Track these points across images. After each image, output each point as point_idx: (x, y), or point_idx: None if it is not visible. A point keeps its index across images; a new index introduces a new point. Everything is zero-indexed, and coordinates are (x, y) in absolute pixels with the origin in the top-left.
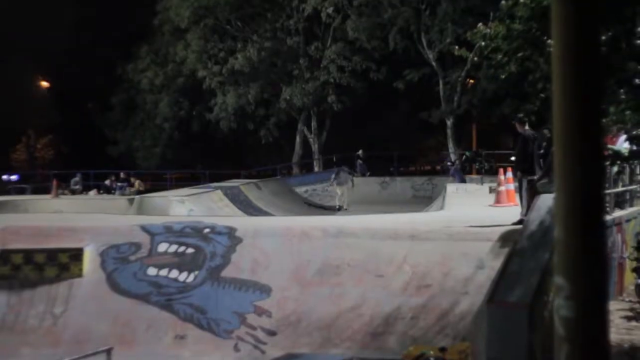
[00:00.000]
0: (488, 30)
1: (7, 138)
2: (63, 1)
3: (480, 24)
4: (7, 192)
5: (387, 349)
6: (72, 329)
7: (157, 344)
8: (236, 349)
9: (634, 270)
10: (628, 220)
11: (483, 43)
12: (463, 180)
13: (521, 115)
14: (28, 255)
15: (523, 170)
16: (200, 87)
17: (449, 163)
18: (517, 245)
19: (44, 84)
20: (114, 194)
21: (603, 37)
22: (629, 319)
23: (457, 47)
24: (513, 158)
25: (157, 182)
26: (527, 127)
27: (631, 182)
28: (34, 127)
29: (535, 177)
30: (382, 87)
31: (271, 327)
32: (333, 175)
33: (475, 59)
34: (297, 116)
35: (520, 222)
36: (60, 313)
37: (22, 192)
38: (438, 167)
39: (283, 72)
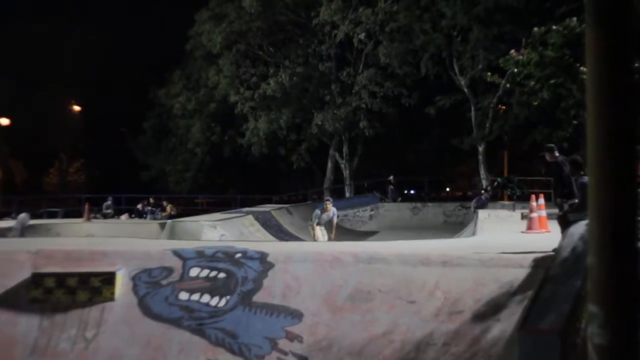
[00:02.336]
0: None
1: (40, 162)
2: (96, 26)
3: (512, 51)
4: (40, 216)
5: None
6: (104, 353)
7: None
8: None
9: None
10: None
11: (515, 70)
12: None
13: (550, 145)
14: (60, 278)
15: (563, 195)
16: (232, 112)
17: (482, 191)
18: (549, 272)
19: (76, 108)
20: (145, 218)
21: (637, 64)
22: None
23: (489, 73)
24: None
25: (188, 207)
26: (557, 154)
27: None
28: (66, 151)
29: (569, 204)
30: (414, 112)
31: (302, 352)
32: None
33: (508, 85)
34: (328, 141)
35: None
36: (92, 337)
37: (54, 215)
38: (469, 193)
39: (315, 97)
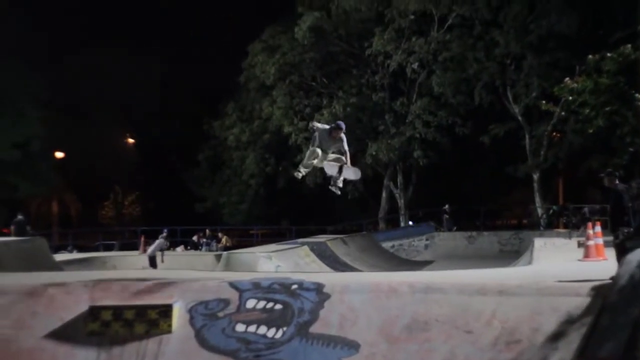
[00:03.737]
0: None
1: (95, 195)
2: (149, 59)
3: (567, 79)
4: (95, 249)
5: None
6: None
7: None
8: None
9: None
10: None
11: (570, 97)
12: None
13: (611, 170)
14: (117, 311)
15: (622, 224)
16: (286, 143)
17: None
18: (607, 300)
19: (131, 140)
20: (201, 250)
21: None
22: None
23: (543, 102)
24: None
25: (243, 238)
26: (617, 182)
27: None
28: (121, 184)
29: (626, 232)
30: (468, 141)
31: None
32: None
33: (562, 113)
34: (382, 171)
35: None
36: None
37: (109, 248)
38: (525, 221)
39: (369, 127)
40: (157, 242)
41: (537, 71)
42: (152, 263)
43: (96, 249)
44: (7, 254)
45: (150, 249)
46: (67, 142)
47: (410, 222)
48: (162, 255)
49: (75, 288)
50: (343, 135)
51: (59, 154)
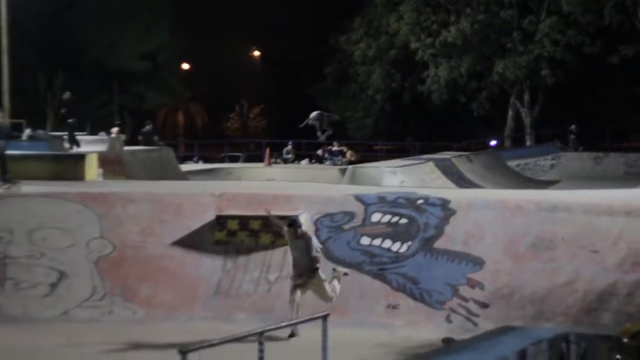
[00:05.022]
0: None
1: (222, 107)
2: None
3: None
4: (221, 160)
5: (601, 325)
6: (286, 295)
7: (370, 312)
8: (448, 320)
9: None
10: None
11: None
12: None
13: None
14: (243, 221)
15: None
16: (413, 59)
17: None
18: None
19: (257, 53)
20: (325, 163)
21: None
22: None
23: None
24: None
25: (367, 153)
26: None
27: None
28: (247, 97)
29: None
30: (596, 61)
31: (484, 300)
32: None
33: None
34: (509, 89)
35: None
36: (274, 279)
37: (235, 160)
38: None
39: (496, 45)
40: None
41: None
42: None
43: (221, 160)
44: (136, 163)
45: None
46: (193, 54)
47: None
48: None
49: (202, 197)
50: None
51: (186, 66)
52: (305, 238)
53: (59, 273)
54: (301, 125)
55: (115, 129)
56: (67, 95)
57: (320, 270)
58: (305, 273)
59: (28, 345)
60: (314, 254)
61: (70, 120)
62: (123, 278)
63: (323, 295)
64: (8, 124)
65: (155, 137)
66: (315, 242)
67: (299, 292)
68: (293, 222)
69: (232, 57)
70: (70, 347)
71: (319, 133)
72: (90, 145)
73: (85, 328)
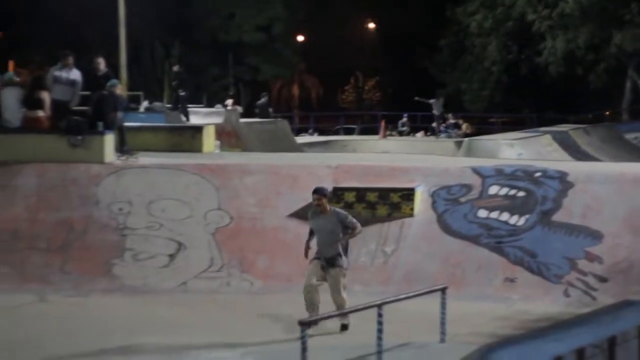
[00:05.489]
0: None
1: (336, 79)
2: None
3: None
4: (336, 132)
5: None
6: (402, 268)
7: (487, 285)
8: (566, 294)
9: None
10: None
11: None
12: None
13: None
14: (360, 193)
15: None
16: (529, 30)
17: None
18: None
19: (372, 25)
20: (440, 136)
21: None
22: None
23: None
24: None
25: (483, 126)
26: None
27: None
28: (361, 69)
29: None
30: None
31: (602, 274)
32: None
33: None
34: (627, 62)
35: None
36: (391, 252)
37: (350, 132)
38: None
39: (614, 16)
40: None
41: None
42: None
43: (336, 133)
44: (251, 135)
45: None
46: (308, 26)
47: None
48: None
49: (318, 169)
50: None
51: (300, 38)
52: (336, 216)
53: (177, 244)
54: (416, 99)
55: (229, 101)
56: (176, 68)
57: (343, 260)
58: (326, 261)
59: (148, 315)
60: (341, 237)
61: (182, 93)
62: (240, 249)
63: (336, 293)
64: (126, 96)
65: (270, 110)
66: (351, 221)
67: (314, 281)
68: (319, 190)
69: (347, 29)
70: (189, 317)
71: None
72: (207, 118)
73: (203, 299)
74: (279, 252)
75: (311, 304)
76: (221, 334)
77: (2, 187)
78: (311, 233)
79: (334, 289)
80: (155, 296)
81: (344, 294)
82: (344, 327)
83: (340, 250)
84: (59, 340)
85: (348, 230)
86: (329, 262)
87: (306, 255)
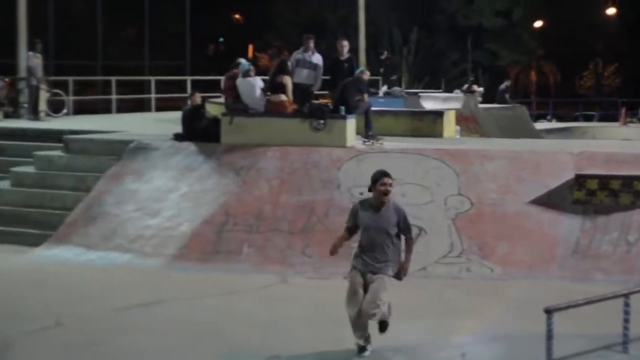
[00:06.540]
0: None
1: (574, 65)
2: None
3: None
4: (575, 119)
5: None
6: None
7: None
8: None
9: None
10: None
11: None
12: None
13: None
14: (603, 181)
15: None
16: None
17: None
18: None
19: (612, 10)
20: None
21: None
22: None
23: None
24: None
25: None
26: None
27: None
28: (601, 55)
29: None
30: None
31: None
32: None
33: None
34: None
35: None
36: (634, 241)
37: (589, 119)
38: None
39: None
40: None
41: None
42: None
43: (575, 119)
44: (489, 120)
45: None
46: (547, 11)
47: None
48: None
49: (561, 156)
50: None
51: (538, 23)
52: (397, 212)
53: (417, 229)
54: None
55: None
56: (384, 55)
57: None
58: (373, 265)
59: (391, 299)
60: (394, 241)
61: (392, 78)
62: (480, 235)
63: (375, 298)
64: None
65: (507, 95)
66: (409, 224)
67: (360, 293)
68: (389, 174)
69: (586, 14)
70: (432, 302)
71: None
72: (445, 103)
73: (444, 284)
74: (519, 239)
75: (361, 324)
76: (463, 319)
77: (247, 169)
78: (350, 230)
79: (372, 296)
80: (395, 280)
81: (385, 307)
82: (383, 326)
83: (391, 257)
84: (303, 324)
85: (400, 234)
86: (373, 271)
87: (333, 252)
